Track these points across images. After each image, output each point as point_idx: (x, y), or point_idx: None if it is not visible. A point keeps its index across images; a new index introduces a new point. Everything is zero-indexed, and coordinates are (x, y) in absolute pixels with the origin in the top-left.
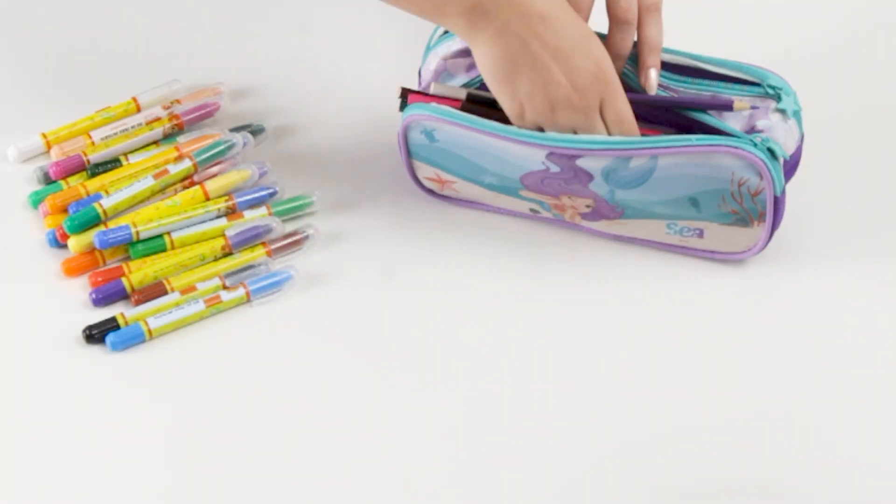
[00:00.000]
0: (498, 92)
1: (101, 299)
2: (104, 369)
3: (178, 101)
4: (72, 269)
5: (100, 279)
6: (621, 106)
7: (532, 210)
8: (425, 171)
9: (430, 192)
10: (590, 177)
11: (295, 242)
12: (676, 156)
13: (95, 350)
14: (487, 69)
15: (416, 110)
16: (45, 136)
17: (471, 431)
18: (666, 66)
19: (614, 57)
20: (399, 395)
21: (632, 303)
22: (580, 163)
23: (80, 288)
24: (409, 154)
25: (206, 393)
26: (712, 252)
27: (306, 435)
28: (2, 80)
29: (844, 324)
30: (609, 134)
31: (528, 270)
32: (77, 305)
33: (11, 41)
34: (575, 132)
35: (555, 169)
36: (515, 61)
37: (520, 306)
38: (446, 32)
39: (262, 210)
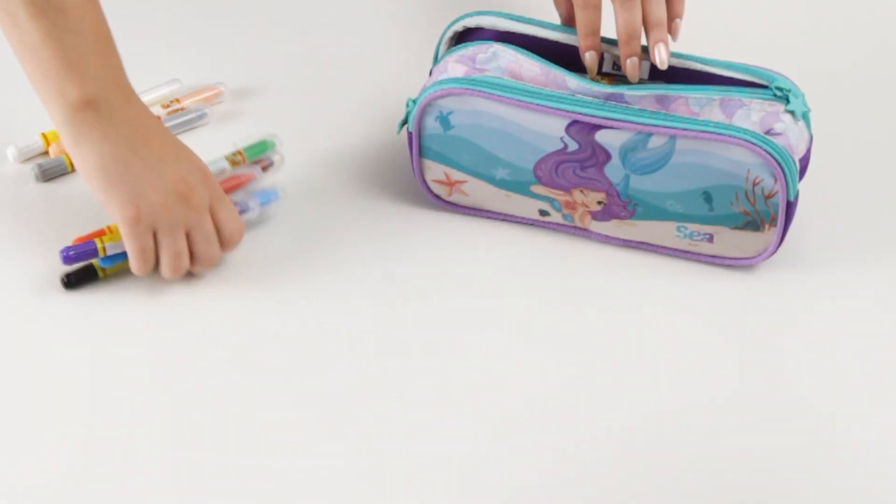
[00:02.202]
0: (111, 193)
1: (72, 257)
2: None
3: (177, 101)
4: (80, 237)
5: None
6: (230, 213)
7: (541, 211)
8: (434, 173)
9: (437, 197)
10: (607, 156)
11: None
12: (694, 141)
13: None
14: (96, 170)
15: (438, 86)
16: (44, 135)
17: (474, 436)
18: (672, 72)
19: (628, 37)
20: (400, 400)
21: (639, 308)
22: (599, 137)
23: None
24: (419, 152)
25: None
26: (721, 258)
27: (303, 440)
28: (1, 80)
29: (853, 327)
30: (220, 238)
31: (533, 277)
32: None
33: None
34: (188, 237)
35: (573, 146)
36: (127, 163)
37: (526, 312)
38: (458, 42)
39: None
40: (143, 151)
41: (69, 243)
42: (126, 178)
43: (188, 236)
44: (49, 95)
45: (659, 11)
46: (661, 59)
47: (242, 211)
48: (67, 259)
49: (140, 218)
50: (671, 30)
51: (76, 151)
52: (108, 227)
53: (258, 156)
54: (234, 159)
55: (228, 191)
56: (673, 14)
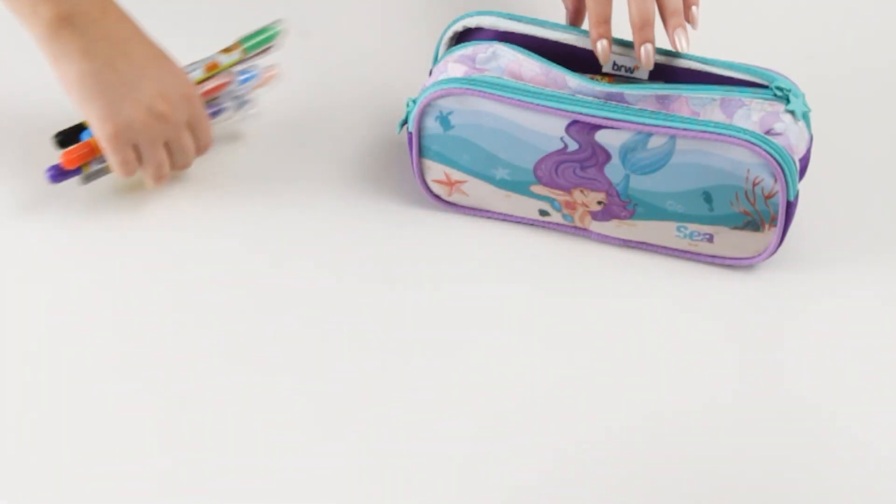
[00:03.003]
0: (89, 108)
1: (57, 175)
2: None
3: None
4: (72, 161)
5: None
6: (207, 126)
7: (541, 211)
8: (434, 173)
9: (437, 197)
10: (607, 156)
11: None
12: (694, 141)
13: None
14: (75, 85)
15: (438, 87)
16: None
17: (474, 436)
18: (672, 72)
19: (642, 24)
20: (399, 399)
21: (639, 308)
22: (599, 137)
23: None
24: (419, 152)
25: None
26: (721, 258)
27: (302, 440)
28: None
29: (853, 327)
30: (196, 153)
31: (533, 277)
32: None
33: None
34: (168, 149)
35: (573, 146)
36: (105, 79)
37: (526, 312)
38: (458, 42)
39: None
40: (122, 65)
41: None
42: (104, 93)
43: (165, 146)
44: (24, 15)
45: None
46: (682, 45)
47: (217, 112)
48: (54, 178)
49: (118, 134)
50: (690, 18)
51: (55, 67)
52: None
53: (261, 47)
54: (229, 55)
55: (206, 96)
56: (689, 2)
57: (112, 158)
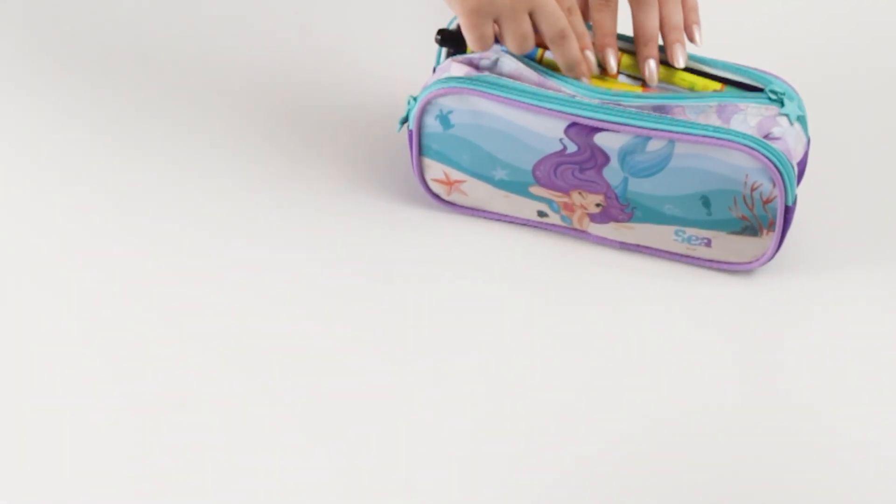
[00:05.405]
0: None
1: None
2: None
3: None
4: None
5: None
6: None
7: (539, 213)
8: (434, 171)
9: (437, 196)
10: (606, 158)
11: None
12: (693, 146)
13: None
14: None
15: (438, 85)
16: None
17: (470, 438)
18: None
19: (646, 39)
20: (398, 400)
21: (638, 311)
22: (598, 140)
23: None
24: (419, 150)
25: None
26: (719, 262)
27: (300, 442)
28: None
29: (851, 331)
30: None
31: (532, 278)
32: None
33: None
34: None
35: (572, 148)
36: None
37: (524, 314)
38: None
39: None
40: None
41: None
42: None
43: (532, 16)
44: None
45: (677, 15)
46: (679, 60)
47: None
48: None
49: (479, 8)
50: (691, 36)
51: None
52: None
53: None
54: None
55: None
56: (689, 21)
57: (469, 37)
